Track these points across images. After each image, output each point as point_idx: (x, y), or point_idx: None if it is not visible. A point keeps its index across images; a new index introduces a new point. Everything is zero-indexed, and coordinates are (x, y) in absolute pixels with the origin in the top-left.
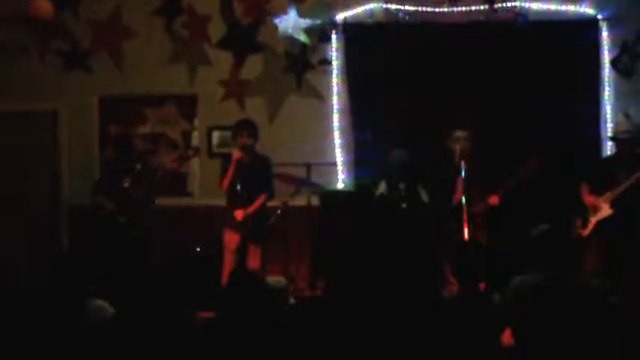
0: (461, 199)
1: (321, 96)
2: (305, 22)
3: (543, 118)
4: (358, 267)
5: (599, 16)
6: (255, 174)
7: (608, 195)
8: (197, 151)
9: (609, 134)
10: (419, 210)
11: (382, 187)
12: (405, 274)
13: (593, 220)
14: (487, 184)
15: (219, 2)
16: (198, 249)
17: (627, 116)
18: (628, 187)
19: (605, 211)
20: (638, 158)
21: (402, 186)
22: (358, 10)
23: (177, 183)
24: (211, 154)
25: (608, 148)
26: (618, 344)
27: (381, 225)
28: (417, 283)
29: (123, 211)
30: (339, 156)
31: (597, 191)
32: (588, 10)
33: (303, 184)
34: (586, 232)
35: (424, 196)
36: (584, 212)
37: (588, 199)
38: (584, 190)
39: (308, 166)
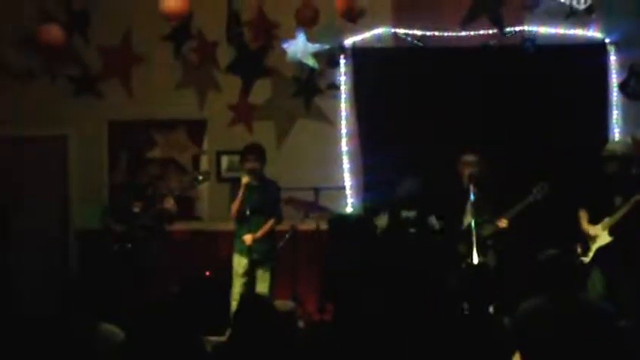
0: (470, 223)
1: (329, 120)
2: (313, 47)
3: (551, 142)
4: (368, 293)
5: (607, 40)
6: (264, 198)
7: (606, 222)
8: (207, 175)
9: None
10: (428, 235)
11: (384, 221)
12: (414, 300)
13: (593, 247)
14: (496, 207)
15: (225, 26)
16: (207, 273)
17: (634, 140)
18: (625, 214)
19: (604, 238)
20: (632, 180)
21: (411, 214)
22: (367, 34)
23: (187, 207)
24: (220, 179)
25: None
26: None
27: (388, 251)
28: (427, 308)
29: (132, 235)
30: (347, 180)
31: (595, 217)
32: (596, 34)
33: (312, 208)
34: (587, 259)
35: (435, 224)
36: (585, 239)
37: (587, 228)
38: (583, 217)
39: (316, 190)
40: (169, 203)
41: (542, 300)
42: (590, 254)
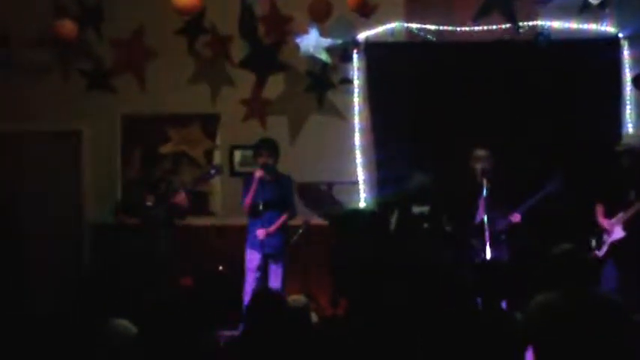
0: (483, 218)
1: (342, 115)
2: (326, 42)
3: (565, 137)
4: (381, 288)
5: (620, 35)
6: (277, 193)
7: (621, 216)
8: (219, 170)
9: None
10: (441, 230)
11: (394, 217)
12: (427, 295)
13: (608, 241)
14: (509, 202)
15: (238, 21)
16: (220, 268)
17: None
18: (639, 209)
19: (619, 232)
20: None
21: (424, 209)
22: (379, 29)
23: (200, 202)
24: (233, 173)
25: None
26: None
27: (401, 246)
28: (439, 303)
29: (145, 230)
30: (360, 175)
31: (610, 211)
32: (609, 29)
33: (325, 199)
34: (601, 253)
35: (447, 225)
36: (599, 233)
37: (602, 221)
38: (599, 211)
39: (329, 184)
40: (180, 197)
41: (555, 295)
42: (604, 248)
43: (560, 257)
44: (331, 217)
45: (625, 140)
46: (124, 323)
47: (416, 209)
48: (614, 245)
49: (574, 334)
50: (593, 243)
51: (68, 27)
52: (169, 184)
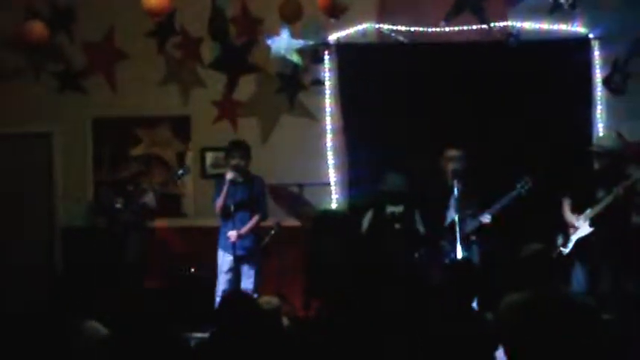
0: (454, 218)
1: (314, 116)
2: (298, 43)
3: (535, 137)
4: (351, 289)
5: (591, 35)
6: (249, 195)
7: (588, 213)
8: (187, 170)
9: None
10: (413, 230)
11: (367, 219)
12: (397, 296)
13: (573, 238)
14: (480, 203)
15: (208, 23)
16: (192, 269)
17: (619, 135)
18: (606, 206)
19: (585, 229)
20: (617, 175)
21: (396, 209)
22: (351, 30)
23: (172, 204)
24: (205, 175)
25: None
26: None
27: (371, 247)
28: (410, 304)
29: (114, 231)
30: (332, 176)
31: (577, 207)
32: (580, 30)
33: (296, 200)
34: (566, 250)
35: (420, 225)
36: (566, 229)
37: (569, 218)
38: (565, 207)
39: (301, 186)
40: (148, 197)
41: (525, 295)
42: (570, 245)
43: (529, 257)
44: (304, 217)
45: (599, 142)
46: (94, 325)
47: (390, 209)
48: (581, 242)
49: (544, 334)
50: (559, 240)
51: (39, 29)
52: (138, 186)
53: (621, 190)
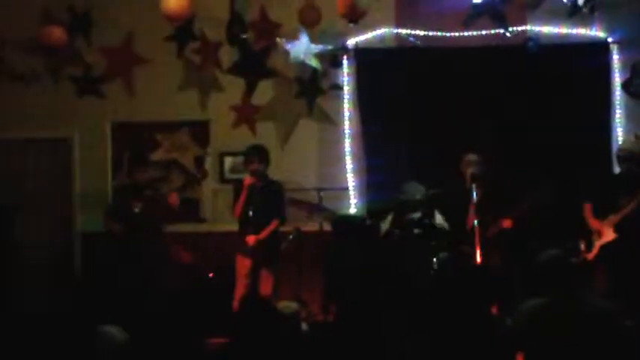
0: (474, 223)
1: (332, 121)
2: (316, 48)
3: (555, 141)
4: (369, 293)
5: (610, 39)
6: (267, 199)
7: (612, 218)
8: (205, 174)
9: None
10: (433, 235)
11: (387, 223)
12: (416, 300)
13: (598, 244)
14: (500, 207)
15: (227, 27)
16: (210, 274)
17: (637, 138)
18: (631, 211)
19: (609, 235)
20: (638, 179)
21: (415, 215)
22: (369, 35)
23: (191, 209)
24: (223, 180)
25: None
26: None
27: (391, 252)
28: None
29: (132, 236)
30: (350, 181)
31: (599, 212)
32: (599, 34)
33: (315, 209)
34: (591, 255)
35: (442, 222)
36: (589, 236)
37: (592, 223)
38: (588, 212)
39: (320, 191)
40: (173, 198)
41: (544, 300)
42: (595, 251)
43: (548, 263)
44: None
45: (623, 146)
46: (114, 330)
47: (409, 215)
48: (605, 248)
49: (562, 340)
50: (582, 246)
51: (57, 34)
52: (157, 191)
53: None
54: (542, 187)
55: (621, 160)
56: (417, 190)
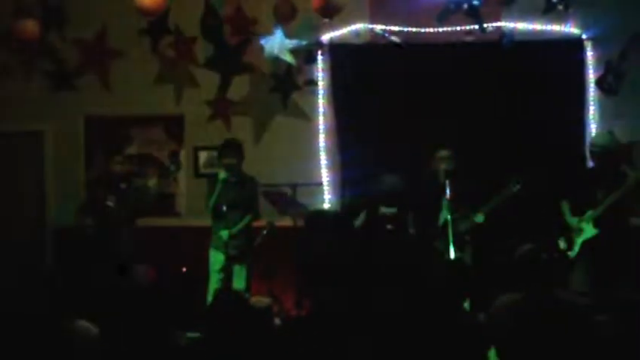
0: (447, 219)
1: (307, 116)
2: (291, 43)
3: (528, 137)
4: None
5: (584, 36)
6: (241, 194)
7: (590, 214)
8: (178, 166)
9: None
10: (406, 232)
11: (361, 218)
12: (389, 296)
13: (578, 241)
14: (473, 203)
15: (201, 22)
16: (183, 269)
17: (611, 134)
18: (609, 206)
19: (590, 231)
20: (615, 174)
21: (389, 210)
22: (344, 30)
23: (165, 203)
24: (198, 175)
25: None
26: None
27: (364, 247)
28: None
29: (105, 230)
30: (324, 176)
31: (577, 209)
32: (573, 30)
33: (289, 204)
34: (573, 253)
35: (410, 227)
36: (568, 232)
37: (571, 221)
38: (565, 210)
39: (294, 186)
40: (152, 182)
41: (518, 296)
42: (576, 248)
43: (522, 258)
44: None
45: (595, 141)
46: (86, 324)
47: (383, 210)
48: (585, 244)
49: (536, 336)
50: (562, 244)
51: (31, 27)
52: (130, 185)
53: (625, 190)
54: (515, 182)
55: (594, 155)
56: (393, 182)
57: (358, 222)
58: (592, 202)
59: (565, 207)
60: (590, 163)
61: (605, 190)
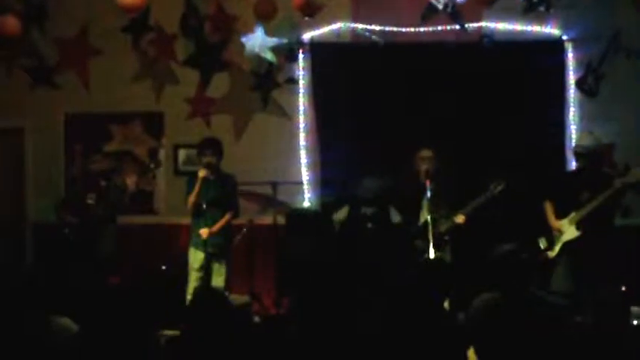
0: (427, 219)
1: (287, 115)
2: (272, 41)
3: (509, 138)
4: (322, 287)
5: (565, 37)
6: (221, 192)
7: (574, 216)
8: (158, 164)
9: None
10: (386, 230)
11: (343, 214)
12: (369, 295)
13: (560, 242)
14: (453, 203)
15: (181, 19)
16: (163, 267)
17: (594, 135)
18: (593, 209)
19: (572, 232)
20: (599, 176)
21: (369, 210)
22: (325, 29)
23: (144, 201)
24: (177, 172)
25: (573, 166)
26: None
27: (345, 246)
28: (381, 303)
29: (85, 228)
30: (305, 175)
31: (560, 210)
32: (554, 31)
33: (268, 203)
34: (553, 253)
35: (395, 217)
36: (550, 233)
37: (554, 222)
38: (548, 210)
39: (274, 184)
40: (131, 179)
41: (496, 296)
42: (557, 249)
43: (501, 258)
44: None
45: (579, 142)
46: (65, 321)
47: (364, 210)
48: (568, 245)
49: (515, 336)
50: (543, 244)
51: (11, 24)
52: (110, 182)
53: (610, 194)
54: (497, 184)
55: (579, 156)
56: (373, 186)
57: (339, 216)
58: (575, 203)
59: (548, 207)
60: (573, 164)
61: (588, 191)
